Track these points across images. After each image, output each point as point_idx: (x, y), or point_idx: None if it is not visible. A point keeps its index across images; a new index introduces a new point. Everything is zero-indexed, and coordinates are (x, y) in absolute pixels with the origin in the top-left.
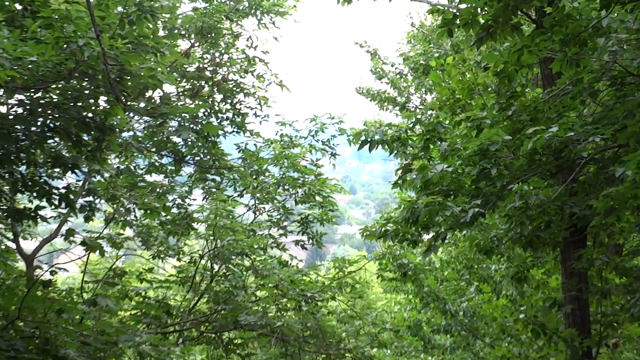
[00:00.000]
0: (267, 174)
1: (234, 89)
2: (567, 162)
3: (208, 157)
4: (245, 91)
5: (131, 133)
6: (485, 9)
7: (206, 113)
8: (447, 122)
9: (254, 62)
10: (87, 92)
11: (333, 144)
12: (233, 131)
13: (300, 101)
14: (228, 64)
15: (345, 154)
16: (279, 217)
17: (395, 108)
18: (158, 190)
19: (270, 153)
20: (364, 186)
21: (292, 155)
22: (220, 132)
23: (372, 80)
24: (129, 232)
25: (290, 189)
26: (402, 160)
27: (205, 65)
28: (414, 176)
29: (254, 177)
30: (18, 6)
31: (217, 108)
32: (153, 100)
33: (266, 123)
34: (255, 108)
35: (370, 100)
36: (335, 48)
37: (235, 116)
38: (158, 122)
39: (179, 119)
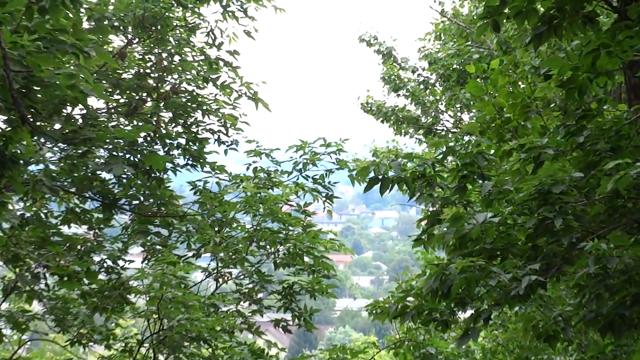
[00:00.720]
0: (234, 224)
1: (189, 104)
2: None
3: (151, 200)
4: (204, 107)
5: (42, 166)
6: None
7: (149, 139)
8: (492, 152)
9: (218, 67)
10: None
11: (329, 183)
12: (187, 164)
13: (285, 122)
14: (180, 68)
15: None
16: (251, 286)
17: (417, 132)
18: (79, 247)
19: (240, 195)
20: (374, 243)
21: (271, 199)
22: (169, 165)
23: (384, 92)
24: (36, 307)
25: (268, 247)
26: (428, 206)
27: (148, 71)
28: (445, 229)
29: (217, 229)
30: None
31: (164, 131)
32: (73, 121)
33: (234, 153)
34: (219, 131)
35: (382, 121)
36: (334, 48)
37: (190, 143)
38: (80, 151)
39: (110, 147)
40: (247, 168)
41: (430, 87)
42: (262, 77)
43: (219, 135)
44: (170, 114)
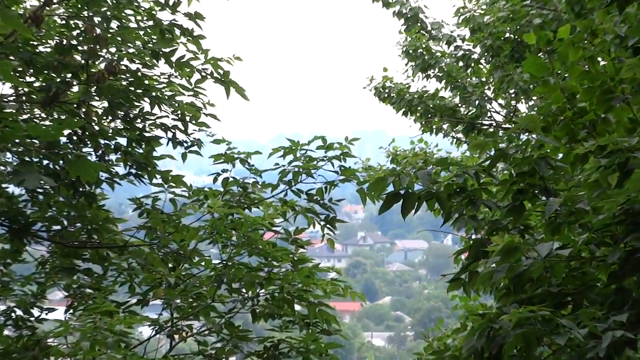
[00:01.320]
0: (196, 258)
1: (132, 89)
2: None
3: (78, 225)
4: (153, 94)
5: None
6: None
7: (75, 138)
8: (560, 156)
9: (173, 36)
10: None
11: (330, 200)
12: (129, 174)
13: (270, 115)
14: (119, 39)
15: (355, 220)
16: (219, 345)
17: (455, 128)
18: None
19: (204, 218)
20: (393, 285)
21: (248, 223)
22: (103, 175)
23: (407, 72)
24: None
25: (244, 290)
26: (469, 233)
27: (74, 43)
28: (494, 266)
29: (171, 265)
30: None
31: (96, 128)
32: None
33: (196, 159)
34: (174, 128)
35: (405, 113)
36: (339, 12)
37: (134, 144)
38: None
39: (20, 150)
40: (215, 179)
41: (473, 64)
42: (238, 51)
43: (174, 134)
44: (106, 104)
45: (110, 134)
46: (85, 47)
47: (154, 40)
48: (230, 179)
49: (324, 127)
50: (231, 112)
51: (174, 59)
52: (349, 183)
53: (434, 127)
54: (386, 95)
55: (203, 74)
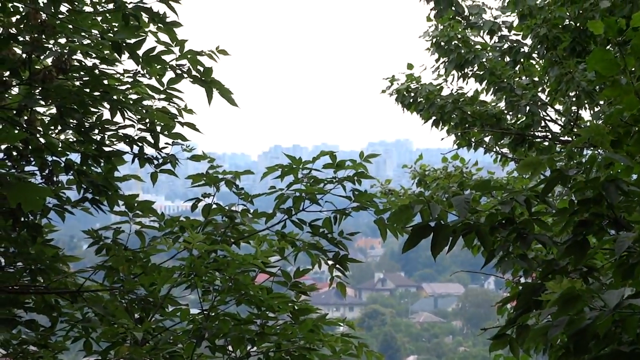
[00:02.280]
0: (170, 308)
1: (87, 90)
2: None
3: (19, 264)
4: (114, 97)
5: None
6: None
7: (16, 154)
8: (634, 178)
9: (140, 24)
10: None
11: (341, 234)
12: (85, 200)
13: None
14: (71, 27)
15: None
16: None
17: (500, 142)
18: None
19: (180, 255)
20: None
21: (236, 262)
22: (51, 201)
23: (438, 69)
24: None
25: (230, 348)
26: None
27: (13, 31)
28: (549, 318)
29: (138, 315)
30: None
31: (42, 140)
32: None
33: (169, 180)
34: (141, 140)
35: (436, 123)
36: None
37: (90, 162)
38: None
39: None
40: (193, 206)
41: (522, 60)
42: (229, 47)
43: (141, 148)
44: (54, 109)
45: (59, 149)
46: (28, 37)
47: (116, 29)
48: (214, 206)
49: (332, 139)
50: (214, 121)
51: (140, 52)
52: (364, 212)
53: (473, 140)
54: (411, 100)
55: (178, 71)
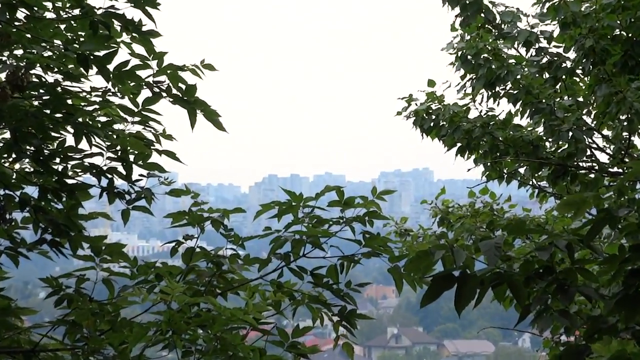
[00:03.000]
0: None
1: (47, 112)
2: None
3: None
4: (80, 120)
5: None
6: None
7: None
8: None
9: (112, 33)
10: None
11: (348, 285)
12: (43, 242)
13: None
14: (28, 36)
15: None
16: None
17: (537, 174)
18: None
19: (156, 309)
20: None
21: (222, 318)
22: (1, 243)
23: (464, 88)
24: None
25: None
26: (557, 334)
27: None
28: None
29: None
30: None
31: None
32: None
33: (143, 219)
34: (110, 173)
35: (462, 151)
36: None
37: (50, 198)
38: None
39: None
40: (173, 250)
41: (564, 76)
42: (216, 62)
43: (110, 180)
44: (8, 134)
45: (13, 180)
46: None
47: (82, 39)
48: (197, 250)
49: (337, 168)
50: (197, 146)
51: (111, 66)
52: (375, 259)
53: (505, 171)
54: (432, 123)
55: (156, 89)
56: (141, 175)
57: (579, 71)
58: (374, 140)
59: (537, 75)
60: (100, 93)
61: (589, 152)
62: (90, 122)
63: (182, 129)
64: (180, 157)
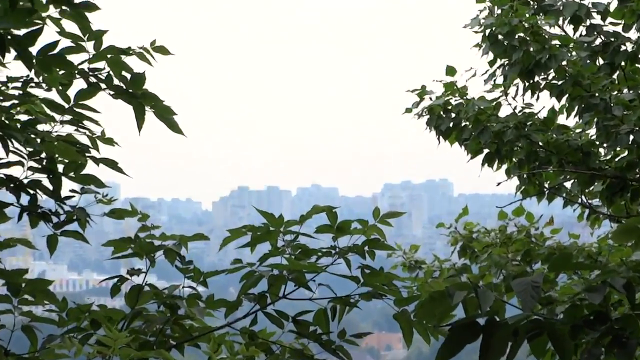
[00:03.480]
0: None
1: None
2: None
3: None
4: None
5: None
6: None
7: None
8: None
9: (35, 5)
10: None
11: (341, 336)
12: None
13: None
14: None
15: None
16: None
17: (588, 190)
18: None
19: None
20: None
21: None
22: None
23: (490, 74)
24: None
25: None
26: None
27: None
28: None
29: None
30: None
31: None
32: None
33: (75, 247)
34: (33, 188)
35: (486, 159)
36: None
37: None
38: None
39: None
40: (115, 289)
41: (624, 63)
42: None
43: (33, 197)
44: None
45: None
46: None
47: None
48: (146, 289)
49: (327, 179)
50: (147, 154)
51: (34, 50)
52: (377, 300)
53: (546, 185)
54: (451, 123)
55: (92, 79)
56: (73, 190)
57: None
58: (376, 144)
59: (588, 61)
60: (20, 84)
61: None
62: (7, 122)
63: (126, 131)
64: (124, 166)
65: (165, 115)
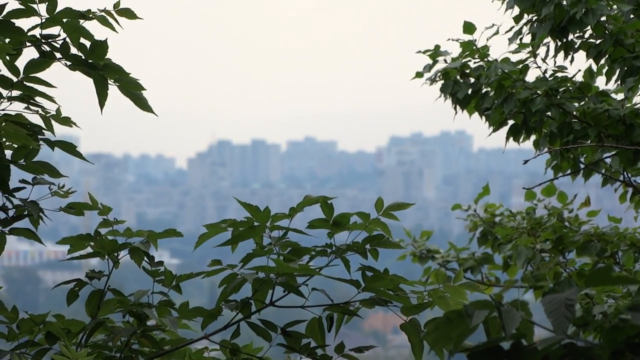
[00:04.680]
0: None
1: None
2: None
3: None
4: None
5: None
6: None
7: None
8: None
9: None
10: None
11: (339, 350)
12: None
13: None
14: None
15: None
16: None
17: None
18: None
19: None
20: None
21: None
22: None
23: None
24: None
25: None
26: None
27: None
28: None
29: None
30: None
31: None
32: None
33: (21, 242)
34: None
35: (512, 131)
36: None
37: None
38: None
39: None
40: (72, 295)
41: None
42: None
43: None
44: None
45: None
46: None
47: None
48: (109, 295)
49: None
50: (111, 102)
51: None
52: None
53: (582, 160)
54: (469, 90)
55: (46, 48)
56: (23, 181)
57: None
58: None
59: (632, 16)
60: None
61: None
62: None
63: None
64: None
65: (132, 90)
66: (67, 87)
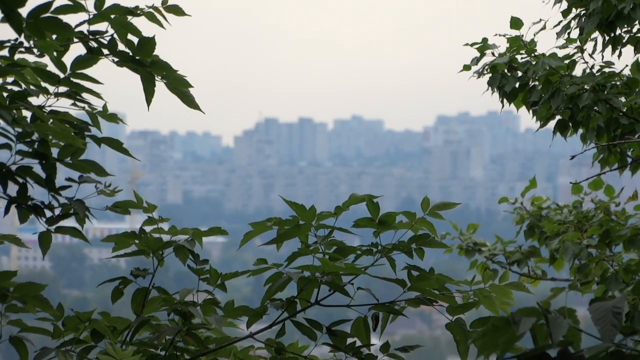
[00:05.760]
0: None
1: None
2: None
3: None
4: None
5: None
6: None
7: None
8: None
9: None
10: None
11: (383, 347)
12: None
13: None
14: None
15: None
16: None
17: None
18: None
19: None
20: None
21: None
22: None
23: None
24: None
25: None
26: None
27: None
28: None
29: None
30: None
31: None
32: None
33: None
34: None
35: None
36: None
37: None
38: None
39: None
40: (116, 293)
41: None
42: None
43: (22, 187)
44: None
45: None
46: None
47: None
48: (154, 293)
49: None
50: (158, 82)
51: (24, 11)
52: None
53: (629, 155)
54: (517, 84)
55: (93, 44)
56: (70, 179)
57: None
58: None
59: None
60: (7, 50)
61: None
62: None
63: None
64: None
65: (179, 87)
66: (113, 72)
